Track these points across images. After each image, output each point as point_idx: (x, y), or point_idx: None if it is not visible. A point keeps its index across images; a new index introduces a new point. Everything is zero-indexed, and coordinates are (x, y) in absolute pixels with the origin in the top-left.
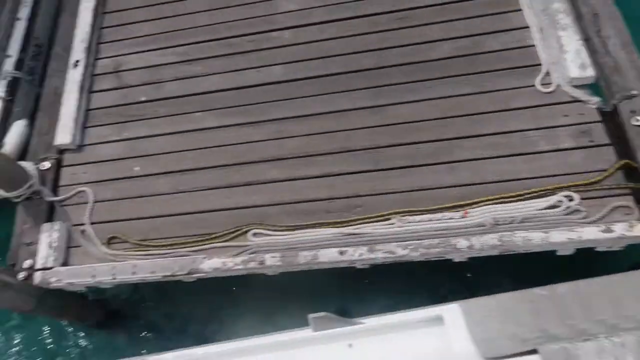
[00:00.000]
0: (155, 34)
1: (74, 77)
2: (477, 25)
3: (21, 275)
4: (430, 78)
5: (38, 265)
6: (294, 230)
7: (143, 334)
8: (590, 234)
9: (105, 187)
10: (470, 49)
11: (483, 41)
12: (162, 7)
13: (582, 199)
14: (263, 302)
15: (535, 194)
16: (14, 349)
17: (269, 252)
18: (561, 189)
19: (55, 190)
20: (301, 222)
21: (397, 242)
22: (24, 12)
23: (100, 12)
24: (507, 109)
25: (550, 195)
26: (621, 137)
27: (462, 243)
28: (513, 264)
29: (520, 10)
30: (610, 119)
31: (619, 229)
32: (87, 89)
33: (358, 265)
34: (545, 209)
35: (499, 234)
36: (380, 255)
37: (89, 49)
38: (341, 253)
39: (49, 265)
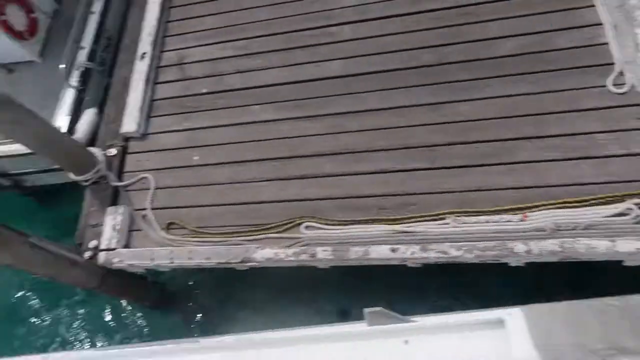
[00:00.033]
0: (217, 28)
1: (140, 68)
2: (545, 21)
3: (87, 255)
4: (492, 76)
5: (102, 246)
6: (346, 225)
7: (197, 317)
8: None
9: (166, 174)
10: (536, 47)
11: (551, 38)
12: (224, 1)
13: None
14: (310, 293)
15: (601, 200)
16: (77, 322)
17: (320, 245)
18: (631, 196)
19: (120, 175)
20: (354, 217)
21: (450, 242)
22: (97, 6)
23: (166, 7)
24: (574, 110)
25: (618, 202)
26: None
27: (519, 247)
28: (570, 272)
29: (592, 6)
30: None
31: None
32: (153, 80)
33: (409, 264)
34: (613, 216)
35: (560, 239)
36: (432, 254)
37: (155, 42)
38: (393, 250)
39: (112, 247)
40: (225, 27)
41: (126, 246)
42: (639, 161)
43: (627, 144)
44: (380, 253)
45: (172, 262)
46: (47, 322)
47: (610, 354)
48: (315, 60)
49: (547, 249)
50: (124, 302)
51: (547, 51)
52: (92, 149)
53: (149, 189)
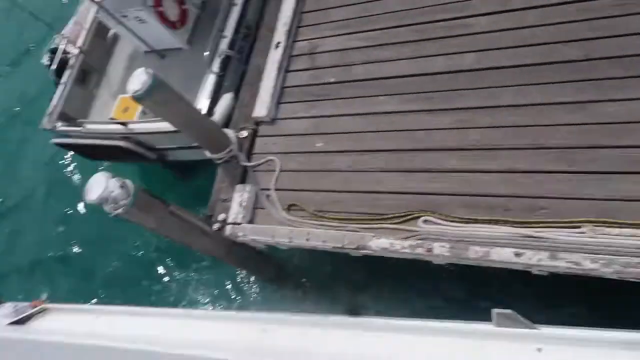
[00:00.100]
0: (349, 19)
1: (274, 57)
2: None
3: (215, 226)
4: None
5: (229, 220)
6: (467, 223)
7: (309, 295)
8: None
9: (291, 158)
10: None
11: None
12: None
13: None
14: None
15: None
16: (202, 285)
17: (438, 240)
18: None
19: (249, 156)
20: (476, 215)
21: (585, 253)
22: None
23: None
24: None
25: None
26: None
27: None
28: None
29: None
30: None
31: None
32: (285, 68)
33: (534, 271)
34: None
35: None
36: (562, 264)
37: (289, 32)
38: (517, 255)
39: (238, 221)
40: (357, 17)
41: (250, 222)
42: None
43: None
44: (502, 255)
45: (290, 242)
46: (178, 282)
47: None
48: (447, 52)
49: None
50: (243, 273)
51: None
52: (227, 131)
53: (274, 171)
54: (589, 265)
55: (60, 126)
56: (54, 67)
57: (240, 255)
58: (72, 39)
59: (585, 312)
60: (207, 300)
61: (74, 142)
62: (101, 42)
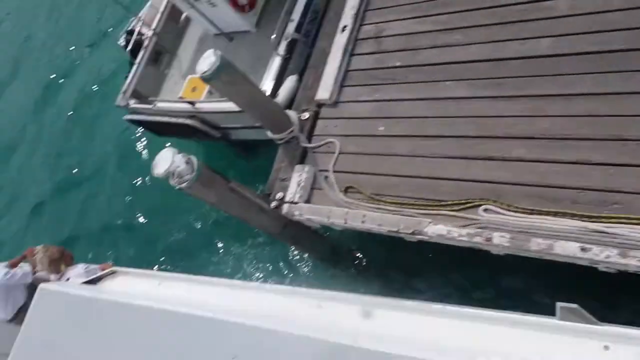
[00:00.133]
0: (418, 3)
1: (340, 40)
2: None
3: (273, 204)
4: None
5: (287, 199)
6: (530, 214)
7: (360, 276)
8: None
9: (351, 141)
10: None
11: None
12: None
13: None
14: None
15: None
16: (257, 260)
17: (498, 230)
18: None
19: (309, 138)
20: (541, 207)
21: None
22: None
23: None
24: None
25: None
26: None
27: None
28: None
29: None
30: None
31: None
32: (350, 51)
33: (600, 268)
34: None
35: None
36: (634, 262)
37: (356, 15)
38: (583, 250)
39: (295, 200)
40: (427, 1)
41: (307, 202)
42: None
43: None
44: (566, 249)
45: (345, 223)
46: (234, 256)
47: None
48: (521, 37)
49: None
50: (297, 252)
51: None
52: (289, 112)
53: (333, 153)
54: None
55: (133, 104)
56: (129, 47)
57: (295, 233)
58: (147, 21)
59: None
60: (262, 274)
61: (145, 119)
62: (174, 25)
